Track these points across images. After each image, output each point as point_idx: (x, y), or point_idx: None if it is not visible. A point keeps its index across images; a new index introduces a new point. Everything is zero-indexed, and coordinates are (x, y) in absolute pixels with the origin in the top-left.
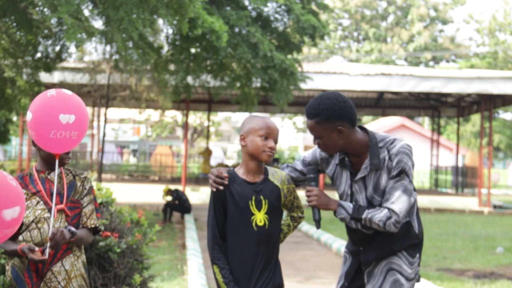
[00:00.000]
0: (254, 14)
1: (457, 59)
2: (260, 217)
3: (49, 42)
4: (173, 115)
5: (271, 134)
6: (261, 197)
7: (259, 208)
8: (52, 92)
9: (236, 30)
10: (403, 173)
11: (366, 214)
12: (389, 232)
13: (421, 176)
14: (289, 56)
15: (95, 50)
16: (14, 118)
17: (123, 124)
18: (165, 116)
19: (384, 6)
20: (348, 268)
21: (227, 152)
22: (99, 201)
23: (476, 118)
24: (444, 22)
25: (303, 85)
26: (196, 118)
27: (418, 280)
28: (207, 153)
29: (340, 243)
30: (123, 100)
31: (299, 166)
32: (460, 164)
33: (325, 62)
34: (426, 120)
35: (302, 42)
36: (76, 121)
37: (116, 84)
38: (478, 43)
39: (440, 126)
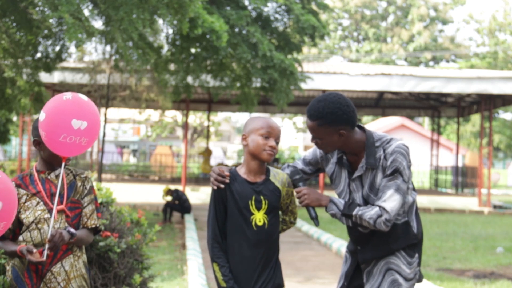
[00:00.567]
0: (254, 14)
1: (457, 59)
2: (259, 217)
3: (49, 42)
4: (173, 115)
5: (272, 133)
6: (261, 197)
7: (258, 208)
8: (68, 95)
9: (236, 30)
10: (397, 172)
11: (357, 211)
12: (384, 231)
13: (421, 176)
14: (289, 56)
15: (95, 50)
16: (14, 118)
17: (123, 124)
18: (165, 116)
19: (384, 6)
20: (348, 268)
21: (227, 152)
22: (99, 201)
23: (476, 118)
24: (444, 22)
25: (303, 85)
26: (196, 118)
27: (419, 281)
28: (207, 153)
29: (340, 243)
30: (123, 100)
31: (299, 165)
32: (460, 164)
33: (325, 62)
34: (426, 120)
35: (302, 42)
36: (88, 127)
37: (116, 84)
38: (478, 43)
39: (440, 126)
